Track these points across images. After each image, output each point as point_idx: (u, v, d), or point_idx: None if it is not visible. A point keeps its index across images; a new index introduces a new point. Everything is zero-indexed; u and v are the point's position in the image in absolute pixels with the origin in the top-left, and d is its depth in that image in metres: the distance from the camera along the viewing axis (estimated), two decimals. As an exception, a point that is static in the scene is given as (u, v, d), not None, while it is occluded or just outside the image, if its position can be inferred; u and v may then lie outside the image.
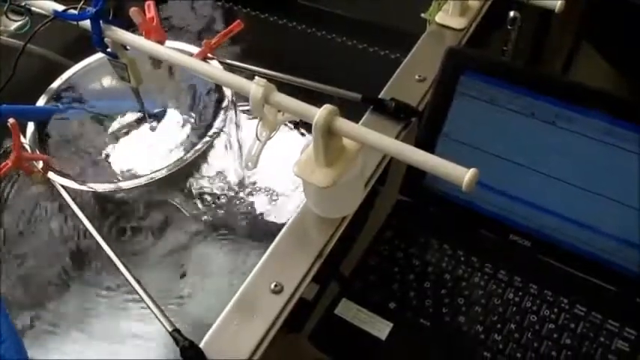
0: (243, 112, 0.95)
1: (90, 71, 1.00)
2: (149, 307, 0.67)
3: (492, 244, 0.77)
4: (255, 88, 0.64)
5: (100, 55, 0.97)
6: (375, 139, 0.59)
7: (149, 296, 0.68)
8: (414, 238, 0.79)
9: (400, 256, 0.77)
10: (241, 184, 0.87)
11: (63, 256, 0.83)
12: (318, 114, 0.60)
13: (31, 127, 0.92)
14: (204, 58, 0.94)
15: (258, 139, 0.68)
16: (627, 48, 1.10)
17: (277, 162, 0.81)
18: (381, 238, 0.79)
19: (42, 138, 0.91)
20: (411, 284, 0.75)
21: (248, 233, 0.82)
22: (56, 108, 0.95)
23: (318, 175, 0.64)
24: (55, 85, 0.98)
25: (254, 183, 0.87)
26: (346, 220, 0.73)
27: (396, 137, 0.80)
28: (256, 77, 0.64)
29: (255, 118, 0.68)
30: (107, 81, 0.99)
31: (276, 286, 0.67)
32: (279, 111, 0.68)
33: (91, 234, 0.77)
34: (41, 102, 0.96)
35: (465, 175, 0.54)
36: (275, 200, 0.85)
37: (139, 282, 0.70)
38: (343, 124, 0.61)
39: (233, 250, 0.81)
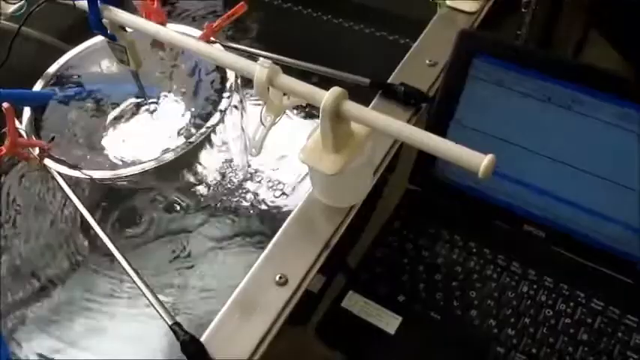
0: (247, 97, 0.92)
1: (88, 55, 0.96)
2: (148, 299, 0.64)
3: (505, 235, 0.74)
4: (260, 69, 0.60)
5: (98, 38, 0.95)
6: (386, 123, 0.56)
7: (148, 287, 0.65)
8: (424, 229, 0.76)
9: (409, 248, 0.74)
10: (244, 171, 0.84)
11: (59, 246, 0.80)
12: (325, 97, 0.57)
13: (27, 112, 0.89)
14: (207, 42, 0.91)
15: (263, 124, 0.65)
16: (637, 38, 1.07)
17: (282, 149, 0.78)
18: (390, 228, 0.76)
19: (38, 124, 0.88)
20: (421, 276, 0.72)
21: (252, 223, 0.79)
22: (53, 93, 0.91)
23: (326, 162, 0.61)
24: (52, 69, 0.95)
25: (258, 170, 0.84)
26: (354, 209, 0.70)
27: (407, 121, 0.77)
28: (261, 59, 0.61)
29: (260, 103, 0.64)
30: (106, 65, 0.96)
31: (280, 278, 0.64)
32: (284, 95, 0.65)
33: (88, 223, 0.73)
34: (38, 87, 0.92)
35: (482, 162, 0.51)
36: (280, 188, 0.82)
37: (137, 273, 0.67)
38: (352, 107, 0.57)
39: (236, 241, 0.78)
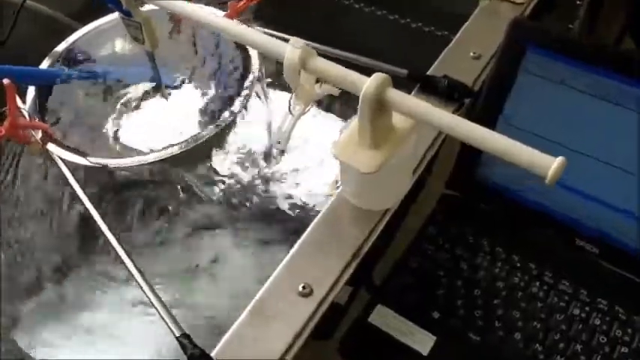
0: (272, 84, 0.84)
1: (100, 34, 0.89)
2: (154, 306, 0.57)
3: (554, 249, 0.67)
4: (291, 50, 0.53)
5: (112, 16, 0.88)
6: (439, 116, 0.48)
7: (154, 293, 0.58)
8: (463, 238, 0.69)
9: (446, 258, 0.67)
10: (267, 166, 0.76)
11: (61, 241, 0.73)
12: (367, 83, 0.50)
13: (31, 92, 0.81)
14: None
15: (291, 114, 0.58)
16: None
17: (309, 142, 0.70)
18: (424, 236, 0.70)
19: (43, 105, 0.81)
20: (459, 291, 0.65)
21: (273, 224, 0.71)
22: (61, 72, 0.84)
23: (362, 158, 0.54)
24: (61, 47, 0.88)
25: (281, 166, 0.77)
26: (388, 213, 0.62)
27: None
28: (293, 38, 0.54)
29: (286, 90, 0.57)
30: (119, 45, 0.89)
31: (304, 287, 0.56)
32: (317, 82, 0.57)
33: (92, 217, 0.66)
34: (44, 66, 0.85)
35: (551, 165, 0.44)
36: (305, 187, 0.74)
37: (142, 274, 0.60)
38: (398, 96, 0.50)
39: (255, 244, 0.70)
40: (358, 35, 0.96)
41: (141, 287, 0.59)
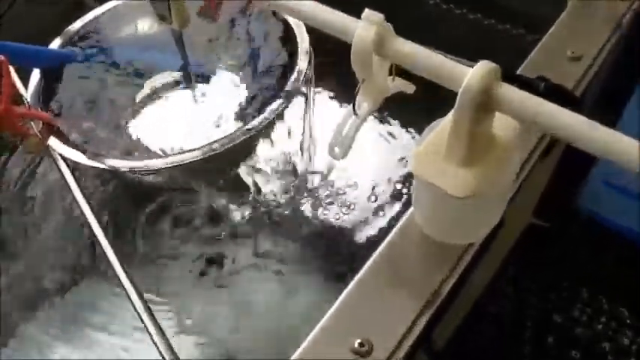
0: (322, 79, 0.71)
1: (122, 13, 0.76)
2: (152, 339, 0.44)
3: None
4: (365, 26, 0.39)
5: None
6: (587, 128, 0.34)
7: (149, 313, 0.45)
8: (555, 282, 0.55)
9: (533, 304, 0.53)
10: (311, 180, 0.63)
11: (57, 258, 0.61)
12: (471, 73, 0.36)
13: (36, 76, 0.69)
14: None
15: (355, 114, 0.44)
16: None
17: (368, 151, 0.57)
18: (505, 275, 0.56)
19: (49, 92, 0.68)
20: (550, 351, 0.50)
21: (317, 256, 0.58)
22: (71, 53, 0.71)
23: (452, 178, 0.40)
24: (76, 26, 0.75)
25: (330, 180, 0.63)
26: (472, 249, 0.48)
27: (543, 135, 0.55)
28: (366, 10, 0.40)
29: (347, 86, 0.44)
30: (144, 27, 0.76)
31: (361, 345, 0.43)
32: (390, 74, 0.44)
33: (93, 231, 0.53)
34: (54, 46, 0.72)
35: None
36: (361, 209, 0.60)
37: (144, 301, 0.47)
38: (514, 93, 0.36)
39: (290, 279, 0.57)
40: (438, 34, 0.83)
41: (136, 310, 0.46)
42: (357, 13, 0.41)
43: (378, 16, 0.40)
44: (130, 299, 0.48)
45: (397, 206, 0.64)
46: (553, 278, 0.55)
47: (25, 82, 0.68)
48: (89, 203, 0.55)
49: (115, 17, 0.76)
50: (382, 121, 0.73)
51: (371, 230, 0.62)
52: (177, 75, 0.73)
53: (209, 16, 0.75)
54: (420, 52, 0.39)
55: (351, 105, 0.44)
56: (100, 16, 0.76)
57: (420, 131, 0.43)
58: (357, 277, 0.46)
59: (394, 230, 0.49)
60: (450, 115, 0.39)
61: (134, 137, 0.68)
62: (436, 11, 0.88)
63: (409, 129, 0.72)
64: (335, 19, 0.42)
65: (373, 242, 0.54)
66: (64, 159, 0.59)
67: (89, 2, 0.81)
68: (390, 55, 0.40)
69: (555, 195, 0.57)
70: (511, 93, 0.36)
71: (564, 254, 0.57)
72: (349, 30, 0.41)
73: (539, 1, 0.82)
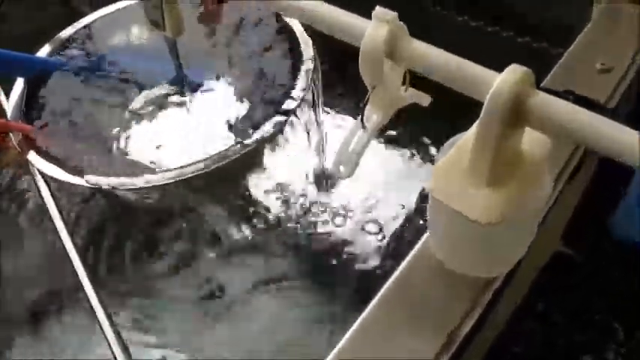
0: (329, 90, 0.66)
1: (114, 20, 0.72)
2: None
3: None
4: (375, 25, 0.34)
5: (127, 2, 0.70)
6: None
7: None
8: (586, 317, 0.49)
9: (561, 343, 0.47)
10: (315, 200, 0.58)
11: (30, 286, 0.56)
12: (500, 79, 0.31)
13: (19, 86, 0.64)
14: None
15: (363, 127, 0.39)
16: None
17: (377, 170, 0.52)
18: (529, 309, 0.51)
19: (33, 103, 0.63)
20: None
21: (322, 283, 0.53)
22: (58, 62, 0.66)
23: (477, 202, 0.34)
24: (66, 33, 0.70)
25: (335, 201, 0.58)
26: (496, 282, 0.42)
27: (573, 152, 0.50)
28: (378, 8, 0.35)
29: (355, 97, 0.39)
30: (137, 35, 0.71)
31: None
32: (403, 83, 0.39)
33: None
34: (42, 54, 0.68)
35: None
36: (370, 233, 0.55)
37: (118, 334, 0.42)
38: (553, 103, 0.31)
39: (294, 307, 0.52)
40: (442, 44, 0.78)
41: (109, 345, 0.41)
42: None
43: (391, 14, 0.35)
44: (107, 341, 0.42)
45: (410, 231, 0.59)
46: (584, 313, 0.49)
47: (8, 91, 0.63)
48: (65, 221, 0.49)
49: (108, 24, 0.73)
50: (393, 135, 0.68)
51: (381, 258, 0.56)
52: (171, 86, 0.68)
53: (211, 22, 0.71)
54: (438, 54, 0.34)
55: (359, 117, 0.39)
56: (93, 23, 0.72)
57: (438, 147, 0.38)
58: (363, 314, 0.41)
59: (406, 259, 0.44)
60: (474, 128, 0.33)
61: (123, 153, 0.63)
62: (451, 23, 0.84)
63: (425, 145, 0.67)
64: (341, 18, 0.37)
65: (384, 272, 0.49)
66: (43, 175, 0.54)
67: (83, 8, 0.77)
68: (404, 58, 0.35)
69: (586, 219, 0.52)
70: (550, 103, 0.31)
71: (596, 286, 0.51)
72: (357, 30, 0.35)
73: (560, 13, 0.78)
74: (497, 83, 0.31)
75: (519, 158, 0.36)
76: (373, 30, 0.34)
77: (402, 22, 0.35)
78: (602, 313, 0.50)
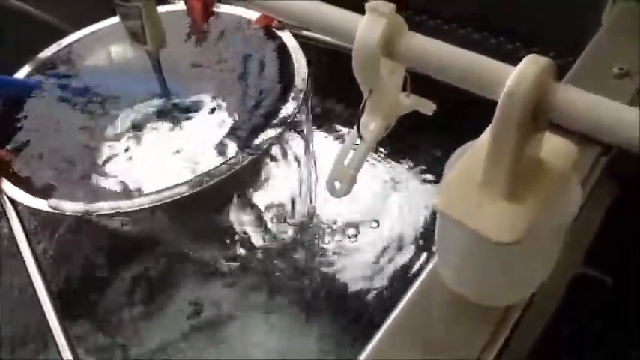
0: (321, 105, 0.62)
1: (96, 40, 0.69)
2: None
3: None
4: (370, 19, 0.30)
5: (111, 20, 0.67)
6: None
7: None
8: (614, 347, 0.44)
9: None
10: (309, 221, 0.54)
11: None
12: (517, 71, 0.26)
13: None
14: (269, 27, 0.62)
15: (360, 137, 0.34)
16: None
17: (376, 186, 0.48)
18: (551, 338, 0.46)
19: (8, 125, 0.59)
20: None
21: (319, 312, 0.49)
22: (36, 84, 0.63)
23: (495, 219, 0.29)
24: (46, 53, 0.67)
25: (331, 222, 0.54)
26: (514, 311, 0.37)
27: (593, 166, 0.45)
28: (372, 1, 0.30)
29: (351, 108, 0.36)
30: (118, 55, 0.67)
31: None
32: (403, 89, 0.34)
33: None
34: (21, 75, 0.64)
35: None
36: (368, 257, 0.51)
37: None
38: (581, 97, 0.26)
39: (289, 338, 0.47)
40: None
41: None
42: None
43: (389, 7, 0.30)
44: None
45: (416, 255, 0.54)
46: (612, 343, 0.44)
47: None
48: (34, 253, 0.45)
49: (89, 44, 0.69)
50: (393, 147, 0.64)
51: (383, 284, 0.52)
52: (156, 105, 0.64)
53: (197, 32, 0.67)
54: (442, 48, 0.29)
55: (355, 126, 0.34)
56: (75, 43, 0.68)
57: (446, 157, 0.33)
58: (369, 347, 0.36)
59: (414, 286, 0.39)
60: (487, 133, 0.29)
61: (105, 175, 0.58)
62: (453, 35, 0.80)
63: (430, 155, 0.63)
64: (331, 14, 0.33)
65: (388, 300, 0.44)
66: (14, 203, 0.50)
67: (65, 27, 0.73)
68: (404, 56, 0.30)
69: (611, 237, 0.47)
70: (579, 97, 0.26)
71: (624, 312, 0.46)
72: (350, 27, 0.31)
73: (567, 25, 0.74)
74: (515, 75, 0.26)
75: (540, 168, 0.31)
76: (367, 25, 0.30)
77: (401, 17, 0.31)
78: (632, 344, 0.45)
